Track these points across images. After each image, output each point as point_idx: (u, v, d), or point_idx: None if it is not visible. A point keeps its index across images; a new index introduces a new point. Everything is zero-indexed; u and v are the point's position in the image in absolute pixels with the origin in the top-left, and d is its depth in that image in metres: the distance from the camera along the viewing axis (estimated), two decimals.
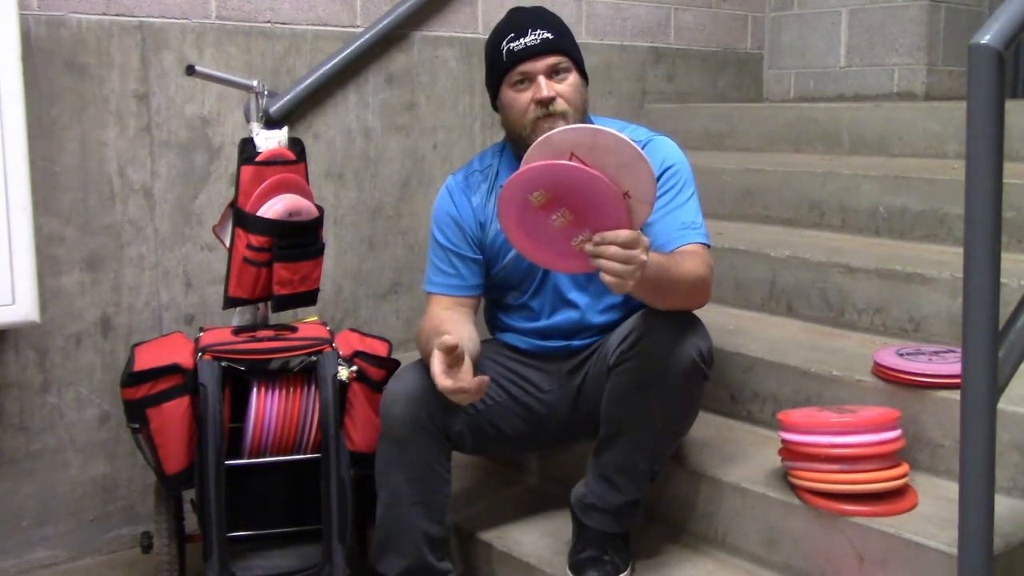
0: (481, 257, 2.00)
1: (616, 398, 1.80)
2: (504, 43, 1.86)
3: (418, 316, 2.90)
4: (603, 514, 1.86)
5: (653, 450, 1.82)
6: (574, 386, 2.00)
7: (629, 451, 1.81)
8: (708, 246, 1.87)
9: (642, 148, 1.90)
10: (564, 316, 2.00)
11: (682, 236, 1.84)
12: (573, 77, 1.88)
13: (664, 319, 1.76)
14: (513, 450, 2.26)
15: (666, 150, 1.93)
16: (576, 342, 2.01)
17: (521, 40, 1.85)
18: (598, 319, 1.99)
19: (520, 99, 1.87)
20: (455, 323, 1.90)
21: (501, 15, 2.97)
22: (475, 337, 1.92)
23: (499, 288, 2.03)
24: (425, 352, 1.84)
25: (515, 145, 1.95)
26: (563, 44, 1.87)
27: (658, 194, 1.86)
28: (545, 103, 1.85)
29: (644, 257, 1.53)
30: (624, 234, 1.51)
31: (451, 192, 2.01)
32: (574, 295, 1.98)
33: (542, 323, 2.01)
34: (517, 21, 1.90)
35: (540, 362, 2.03)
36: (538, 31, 1.85)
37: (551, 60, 1.85)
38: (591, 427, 1.94)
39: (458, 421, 1.89)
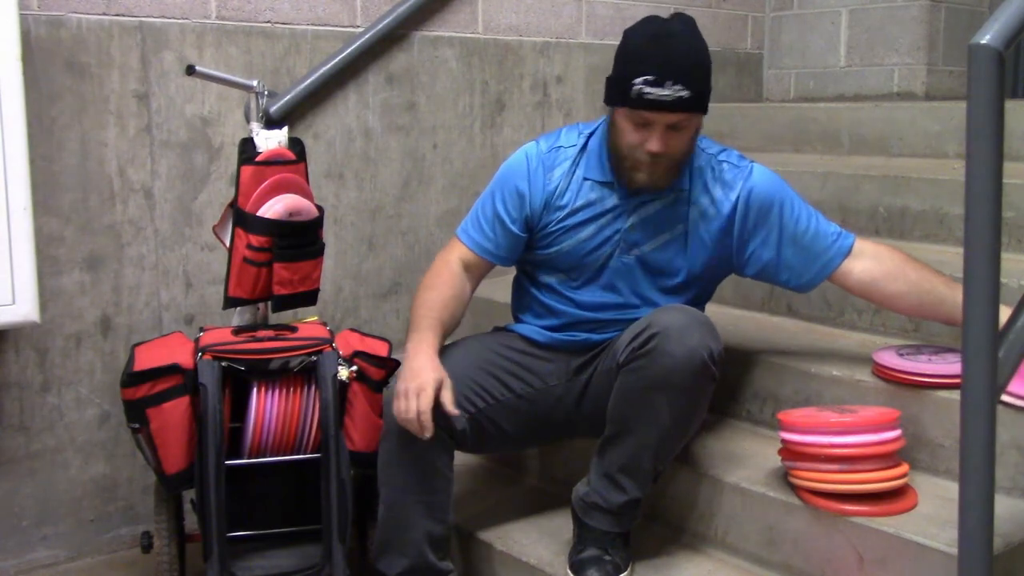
0: (525, 237, 1.99)
1: (624, 396, 1.80)
2: (640, 82, 1.77)
3: None
4: (605, 513, 1.86)
5: (658, 450, 1.82)
6: (581, 382, 2.01)
7: (634, 450, 1.81)
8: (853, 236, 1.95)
9: (744, 178, 1.92)
10: (603, 311, 1.99)
11: (835, 245, 1.92)
12: (691, 127, 1.84)
13: (676, 319, 1.76)
14: (515, 446, 2.26)
15: (768, 185, 1.94)
16: (598, 336, 2.00)
17: (657, 91, 1.76)
18: (634, 313, 1.97)
19: (633, 136, 1.83)
20: (457, 287, 1.97)
21: (501, 15, 3.03)
22: (463, 303, 1.98)
23: (545, 268, 2.02)
24: (419, 296, 1.94)
25: (608, 151, 1.93)
26: (694, 103, 1.79)
27: (788, 229, 1.92)
28: (654, 155, 1.84)
29: None
30: None
31: (529, 162, 1.98)
32: (621, 286, 1.98)
33: (579, 312, 2.00)
34: (660, 62, 1.77)
35: (552, 354, 2.02)
36: (677, 87, 1.76)
37: (676, 118, 1.80)
38: (594, 424, 1.94)
39: (461, 420, 1.89)
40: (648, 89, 1.77)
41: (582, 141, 1.98)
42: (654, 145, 1.82)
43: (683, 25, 1.84)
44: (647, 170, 1.86)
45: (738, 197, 1.91)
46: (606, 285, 1.97)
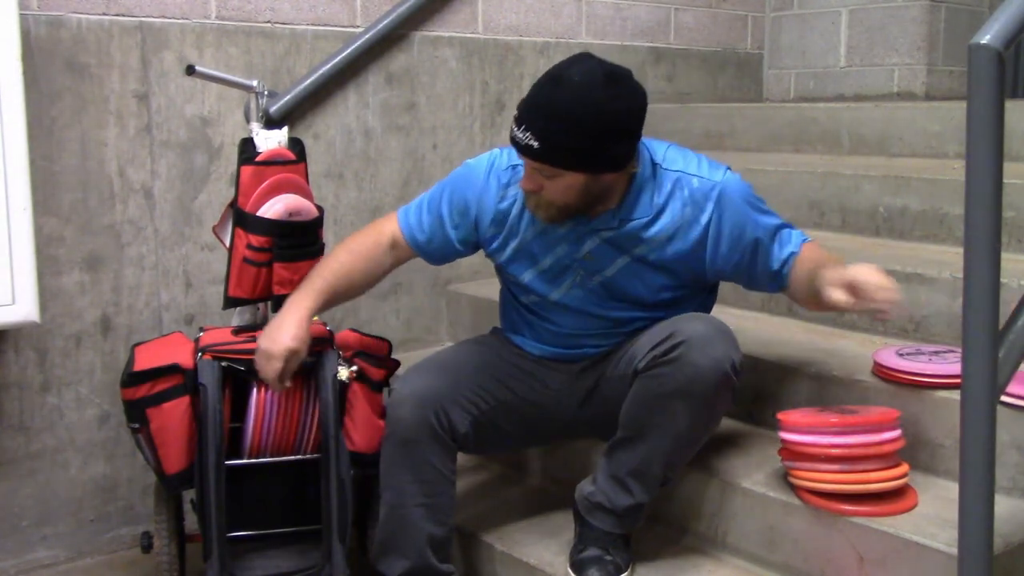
0: (462, 250, 1.98)
1: (641, 402, 1.78)
2: (513, 116, 1.75)
3: (418, 316, 2.92)
4: (608, 515, 1.86)
5: (671, 456, 1.82)
6: (585, 386, 1.99)
7: (646, 455, 1.80)
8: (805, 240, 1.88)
9: (716, 196, 1.81)
10: (588, 330, 1.96)
11: (779, 276, 1.87)
12: (564, 180, 1.73)
13: (700, 328, 1.75)
14: (516, 447, 2.26)
15: (737, 203, 1.83)
16: (593, 349, 1.98)
17: (516, 130, 1.72)
18: (623, 329, 1.94)
19: (525, 166, 1.80)
20: (374, 262, 1.96)
21: (501, 15, 3.03)
22: (374, 279, 1.99)
23: (520, 289, 1.99)
24: (334, 253, 1.95)
25: None
26: (545, 155, 1.71)
27: (748, 252, 1.84)
28: (525, 191, 1.81)
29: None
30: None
31: (487, 173, 1.93)
32: (597, 310, 1.93)
33: (562, 331, 1.98)
34: (524, 105, 1.74)
35: (552, 362, 2.02)
36: (527, 133, 1.70)
37: (535, 163, 1.74)
38: (597, 426, 1.93)
39: (464, 423, 1.88)
40: (514, 126, 1.74)
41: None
42: (522, 181, 1.80)
43: (582, 75, 1.69)
44: (532, 206, 1.83)
45: (710, 220, 1.83)
46: (581, 310, 1.93)
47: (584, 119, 1.68)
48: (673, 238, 1.85)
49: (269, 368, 1.84)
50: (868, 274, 1.64)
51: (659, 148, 1.88)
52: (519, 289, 2.00)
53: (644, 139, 1.84)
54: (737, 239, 1.84)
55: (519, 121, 1.73)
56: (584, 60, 1.74)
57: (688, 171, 1.85)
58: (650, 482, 1.84)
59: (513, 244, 1.92)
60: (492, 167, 1.93)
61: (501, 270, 2.01)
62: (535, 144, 1.70)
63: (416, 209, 2.00)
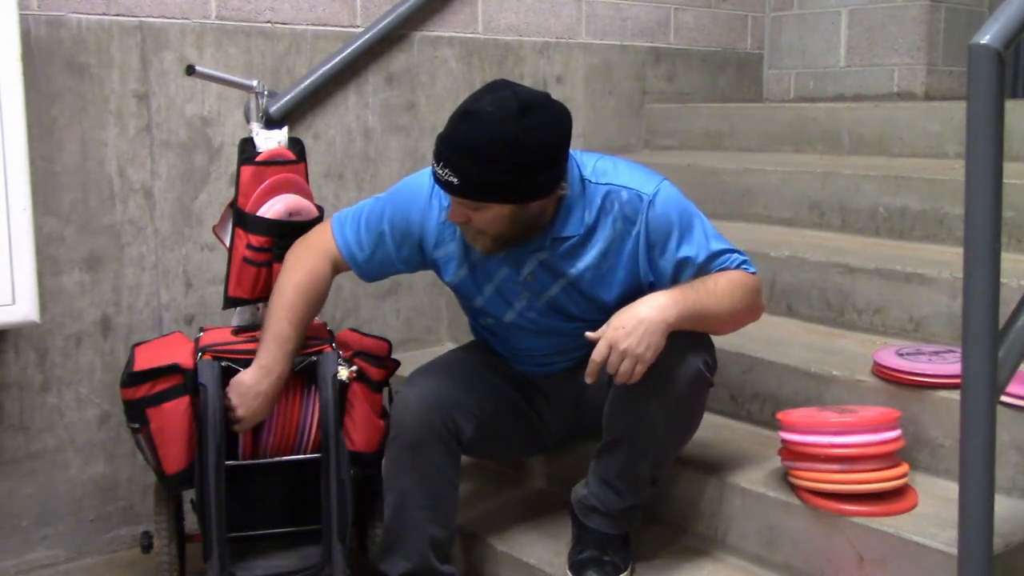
0: (404, 269, 1.95)
1: (619, 406, 1.78)
2: (433, 152, 1.71)
3: (418, 316, 2.92)
4: (603, 516, 1.86)
5: (655, 457, 1.82)
6: (569, 394, 2.00)
7: (631, 457, 1.81)
8: (744, 265, 1.80)
9: (645, 209, 1.75)
10: (550, 348, 1.96)
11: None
12: (489, 211, 1.69)
13: None
14: (517, 452, 2.26)
15: (664, 215, 1.76)
16: (561, 364, 1.98)
17: (436, 167, 1.69)
18: (569, 355, 1.94)
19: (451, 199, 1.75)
20: (320, 281, 1.93)
21: (501, 15, 3.03)
22: (325, 296, 1.97)
23: (476, 312, 1.99)
24: (286, 285, 1.90)
25: None
26: (466, 190, 1.67)
27: (670, 259, 1.77)
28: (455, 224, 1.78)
29: (622, 347, 1.64)
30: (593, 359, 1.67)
31: (430, 199, 1.87)
32: (553, 327, 1.92)
33: (526, 353, 1.99)
34: (440, 142, 1.69)
35: (533, 377, 2.02)
36: (446, 170, 1.66)
37: (457, 198, 1.71)
38: (592, 430, 1.93)
39: (470, 427, 1.88)
40: (433, 162, 1.70)
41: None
42: (449, 214, 1.76)
43: (495, 107, 1.63)
44: (469, 236, 1.78)
45: (639, 232, 1.77)
46: (537, 330, 1.92)
47: (499, 153, 1.62)
48: (607, 253, 1.80)
49: (239, 423, 1.91)
50: (601, 344, 1.66)
51: (588, 161, 1.81)
52: (475, 313, 1.99)
53: (573, 152, 1.77)
54: (662, 253, 1.77)
55: (437, 157, 1.68)
56: (497, 90, 1.67)
57: (618, 183, 1.78)
58: (639, 483, 1.84)
59: (461, 269, 1.89)
60: (435, 187, 1.85)
61: (455, 294, 1.99)
62: (455, 180, 1.66)
63: (354, 225, 1.93)
